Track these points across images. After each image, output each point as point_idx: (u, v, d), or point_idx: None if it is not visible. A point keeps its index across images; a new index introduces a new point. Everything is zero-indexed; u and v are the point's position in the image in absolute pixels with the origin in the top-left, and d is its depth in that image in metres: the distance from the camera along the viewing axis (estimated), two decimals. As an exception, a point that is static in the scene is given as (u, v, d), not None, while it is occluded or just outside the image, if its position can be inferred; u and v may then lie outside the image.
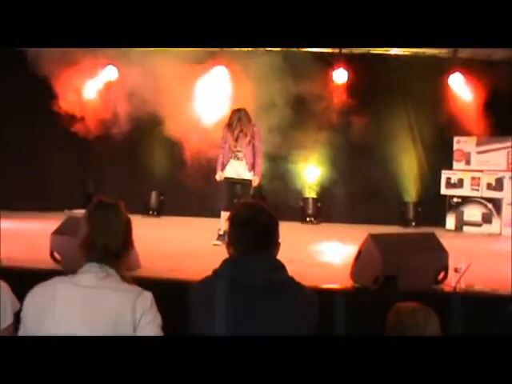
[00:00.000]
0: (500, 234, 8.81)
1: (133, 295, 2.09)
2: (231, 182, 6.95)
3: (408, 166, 9.46)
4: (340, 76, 9.02)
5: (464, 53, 8.80)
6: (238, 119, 6.88)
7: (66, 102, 8.90)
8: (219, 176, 6.97)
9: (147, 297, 2.12)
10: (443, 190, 9.35)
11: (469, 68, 8.76)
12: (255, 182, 6.93)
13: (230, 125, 6.94)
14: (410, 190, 9.54)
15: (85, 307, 2.06)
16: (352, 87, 9.16)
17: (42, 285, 2.17)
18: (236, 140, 6.89)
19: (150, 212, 9.82)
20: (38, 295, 2.15)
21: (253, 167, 6.90)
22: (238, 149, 6.91)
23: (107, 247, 2.15)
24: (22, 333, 2.15)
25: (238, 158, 6.91)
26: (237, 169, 6.92)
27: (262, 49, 8.98)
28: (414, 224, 9.34)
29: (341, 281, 4.68)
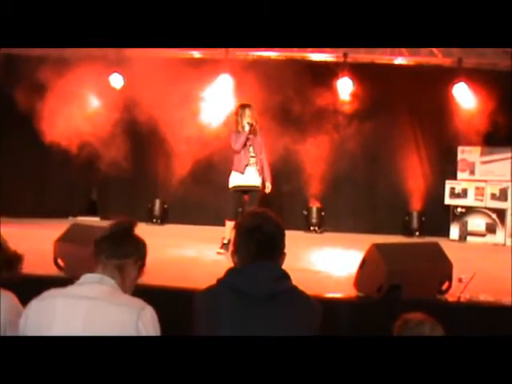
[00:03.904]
0: (504, 244, 8.77)
1: (135, 310, 2.08)
2: (239, 191, 6.82)
3: (412, 176, 9.44)
4: (345, 85, 9.02)
5: (468, 62, 8.80)
6: (248, 121, 6.75)
7: (69, 109, 8.91)
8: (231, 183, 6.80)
9: (148, 312, 2.12)
10: (447, 200, 9.32)
11: (473, 78, 8.75)
12: (268, 188, 6.88)
13: (240, 130, 6.78)
14: (414, 200, 9.51)
15: (87, 320, 2.02)
16: (356, 96, 9.16)
17: (40, 298, 2.11)
18: (249, 145, 6.77)
19: (154, 220, 9.81)
20: (35, 310, 2.09)
21: (263, 173, 6.84)
22: (252, 154, 6.81)
23: None
24: None
25: (251, 165, 6.80)
26: (250, 175, 6.77)
27: (266, 56, 9.01)
28: (417, 234, 9.31)
29: (344, 290, 4.67)
